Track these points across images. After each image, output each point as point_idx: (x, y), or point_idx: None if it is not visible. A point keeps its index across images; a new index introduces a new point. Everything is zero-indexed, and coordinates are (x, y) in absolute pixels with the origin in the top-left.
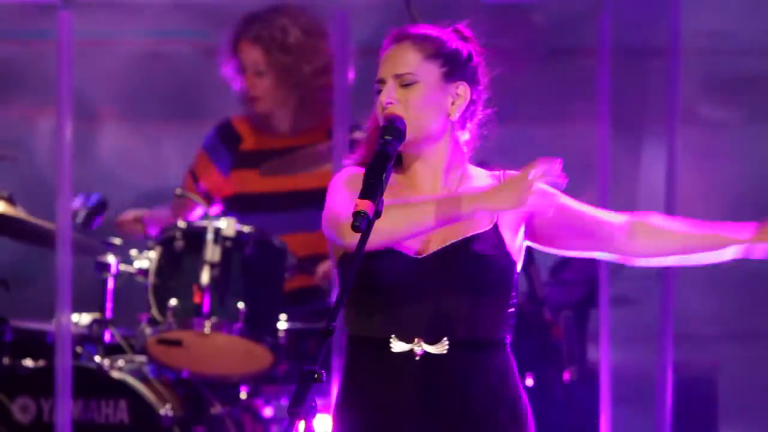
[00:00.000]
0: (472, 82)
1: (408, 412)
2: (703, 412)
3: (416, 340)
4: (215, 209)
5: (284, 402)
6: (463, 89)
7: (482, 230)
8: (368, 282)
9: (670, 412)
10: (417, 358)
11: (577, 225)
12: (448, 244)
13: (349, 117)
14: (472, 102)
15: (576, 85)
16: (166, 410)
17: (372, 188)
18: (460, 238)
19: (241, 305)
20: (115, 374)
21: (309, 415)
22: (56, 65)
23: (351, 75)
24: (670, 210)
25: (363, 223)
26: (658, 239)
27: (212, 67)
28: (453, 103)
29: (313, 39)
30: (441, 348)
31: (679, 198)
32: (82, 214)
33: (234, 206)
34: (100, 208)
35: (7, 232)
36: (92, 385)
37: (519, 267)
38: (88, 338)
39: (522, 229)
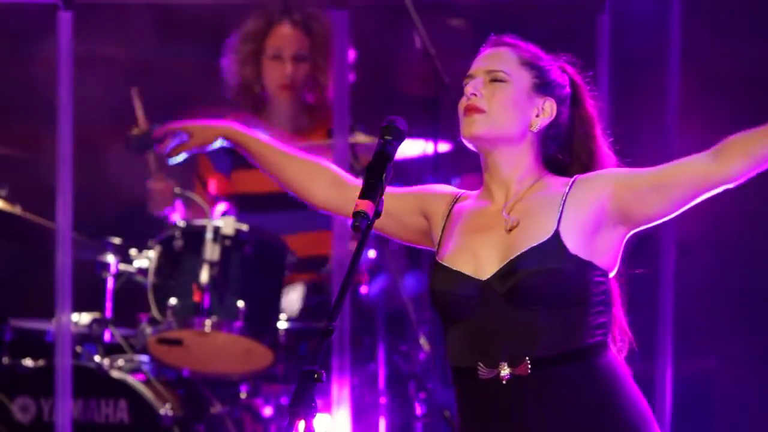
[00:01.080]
0: (561, 103)
1: None
2: (702, 411)
3: (501, 364)
4: (222, 207)
5: (284, 401)
6: (549, 105)
7: (540, 241)
8: (445, 313)
9: (669, 411)
10: (504, 382)
11: (658, 185)
12: (506, 262)
13: (348, 118)
14: (556, 121)
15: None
16: (165, 410)
17: (372, 188)
18: (517, 254)
19: (240, 304)
20: (115, 374)
21: (309, 414)
22: (57, 65)
23: (351, 76)
24: None
25: (363, 223)
26: (747, 153)
27: None
28: (537, 116)
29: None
30: (524, 369)
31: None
32: (137, 131)
33: (235, 206)
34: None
35: (6, 231)
36: (92, 384)
37: (610, 269)
38: (88, 338)
39: (604, 228)
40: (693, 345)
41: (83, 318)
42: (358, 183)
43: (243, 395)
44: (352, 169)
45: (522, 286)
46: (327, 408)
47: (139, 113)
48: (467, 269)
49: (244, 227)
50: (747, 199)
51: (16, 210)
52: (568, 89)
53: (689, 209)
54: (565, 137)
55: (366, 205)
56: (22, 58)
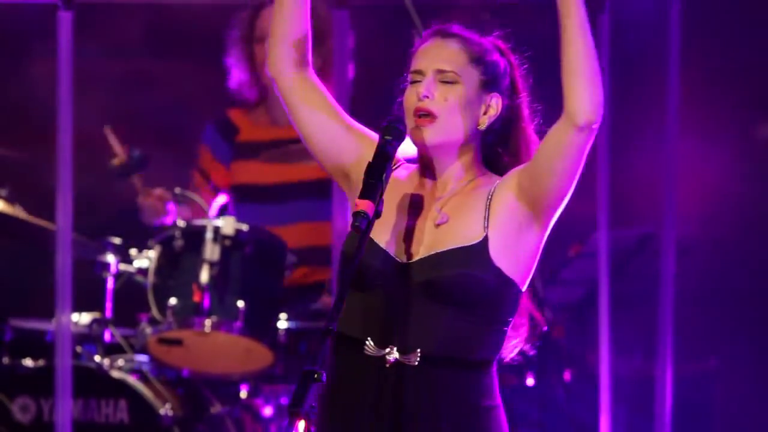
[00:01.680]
0: (505, 96)
1: (367, 417)
2: (703, 412)
3: (390, 347)
4: (222, 198)
5: (284, 401)
6: (496, 101)
7: (469, 243)
8: (356, 280)
9: (669, 411)
10: (387, 365)
11: (541, 162)
12: (432, 252)
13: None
14: (501, 115)
15: None
16: (165, 410)
17: (372, 188)
18: (446, 248)
19: (240, 304)
20: (115, 374)
21: (309, 414)
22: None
23: (350, 74)
24: (669, 207)
25: (363, 222)
26: (565, 80)
27: None
28: (485, 113)
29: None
30: (413, 360)
31: (677, 196)
32: (117, 162)
33: (234, 197)
34: (139, 162)
35: (6, 231)
36: (92, 384)
37: (522, 285)
38: (88, 338)
39: (524, 232)
40: (693, 346)
41: (83, 318)
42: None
43: (243, 395)
44: None
45: (440, 281)
46: None
47: (116, 146)
48: (391, 248)
49: (244, 227)
50: (748, 199)
51: (17, 210)
52: (508, 77)
53: (690, 211)
54: (501, 126)
55: (366, 205)
56: (22, 59)
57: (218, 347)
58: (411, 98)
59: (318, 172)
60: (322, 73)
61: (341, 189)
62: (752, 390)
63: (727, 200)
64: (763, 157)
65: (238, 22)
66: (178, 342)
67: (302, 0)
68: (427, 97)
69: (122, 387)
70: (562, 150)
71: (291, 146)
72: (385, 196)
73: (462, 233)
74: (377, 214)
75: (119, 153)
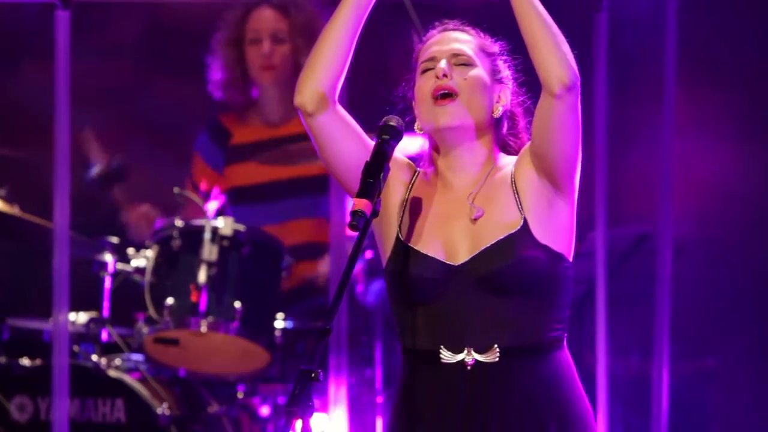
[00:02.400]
0: (511, 90)
1: (459, 423)
2: (699, 411)
3: (466, 349)
4: (214, 204)
5: (281, 401)
6: (505, 93)
7: (512, 231)
8: (409, 293)
9: (666, 411)
10: (468, 368)
11: (536, 135)
12: (480, 249)
13: None
14: (511, 110)
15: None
16: (162, 409)
17: (370, 187)
18: (491, 243)
19: (237, 304)
20: (112, 373)
21: (306, 414)
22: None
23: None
24: (666, 206)
25: (360, 222)
26: (530, 54)
27: None
28: (497, 102)
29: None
30: (492, 356)
31: (674, 195)
32: (96, 172)
33: (230, 200)
34: (116, 174)
35: (4, 230)
36: (89, 384)
37: (569, 257)
38: (85, 337)
39: (552, 207)
40: (690, 345)
41: (80, 317)
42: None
43: (240, 395)
44: None
45: (497, 274)
46: (324, 407)
47: (96, 152)
48: (438, 254)
49: (242, 228)
50: (745, 199)
51: (15, 210)
52: (512, 78)
53: (686, 210)
54: (509, 119)
55: (363, 204)
56: (19, 58)
57: (215, 347)
58: (428, 83)
59: (312, 169)
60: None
61: (339, 185)
62: (749, 390)
63: (723, 200)
64: (760, 157)
65: (227, 24)
66: (175, 342)
67: (353, 35)
68: (446, 75)
69: (119, 386)
70: (551, 121)
71: (284, 147)
72: (414, 205)
73: (501, 222)
74: (375, 213)
75: (98, 160)
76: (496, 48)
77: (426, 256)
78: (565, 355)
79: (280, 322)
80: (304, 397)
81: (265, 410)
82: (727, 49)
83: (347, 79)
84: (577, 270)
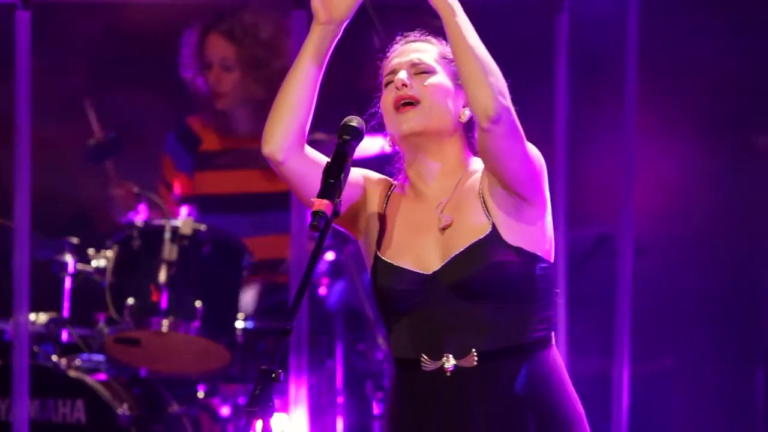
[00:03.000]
0: None
1: (440, 429)
2: (659, 411)
3: (445, 356)
4: (185, 210)
5: (242, 401)
6: (461, 97)
7: (481, 236)
8: (389, 306)
9: (626, 411)
10: (448, 374)
11: (486, 166)
12: (450, 257)
13: None
14: None
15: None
16: (123, 409)
17: (330, 188)
18: (462, 248)
19: (198, 304)
20: (72, 373)
21: (266, 414)
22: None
23: None
24: (626, 207)
25: (321, 222)
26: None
27: None
28: (463, 107)
29: (283, 36)
30: (470, 361)
31: (634, 196)
32: (94, 141)
33: (198, 207)
34: (114, 144)
35: None
36: (49, 384)
37: (547, 256)
38: (46, 337)
39: (520, 210)
40: (650, 345)
41: (40, 317)
42: (318, 160)
43: (200, 395)
44: None
45: (469, 280)
46: (284, 407)
47: (94, 123)
48: (410, 265)
49: (202, 227)
50: (705, 199)
51: None
52: None
53: (647, 211)
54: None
55: (324, 205)
56: None
57: (176, 347)
58: (390, 95)
59: (280, 185)
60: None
61: (300, 201)
62: (708, 389)
63: (684, 201)
64: (720, 157)
65: (184, 51)
66: (135, 342)
67: (315, 84)
68: (405, 85)
69: (79, 387)
70: (488, 152)
71: (253, 157)
72: (389, 218)
73: (470, 229)
74: (336, 214)
75: (97, 130)
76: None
77: (399, 268)
78: (551, 355)
79: (240, 322)
80: (264, 397)
81: (225, 410)
82: (688, 50)
83: None
84: None
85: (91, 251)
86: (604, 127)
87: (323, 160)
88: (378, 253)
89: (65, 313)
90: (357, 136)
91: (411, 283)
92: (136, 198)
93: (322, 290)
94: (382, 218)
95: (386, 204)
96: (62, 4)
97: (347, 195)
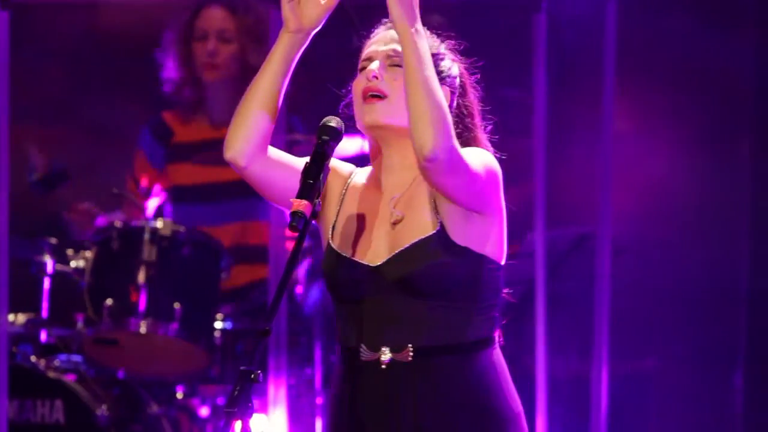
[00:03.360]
0: (452, 92)
1: (377, 420)
2: (638, 411)
3: (383, 348)
4: (154, 202)
5: (220, 402)
6: (445, 93)
7: (428, 234)
8: (334, 294)
9: (605, 411)
10: (383, 366)
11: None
12: (396, 252)
13: (284, 118)
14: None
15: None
16: (102, 410)
17: (309, 188)
18: (407, 245)
19: (177, 305)
20: (51, 374)
21: (246, 414)
22: None
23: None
24: (605, 206)
25: (300, 223)
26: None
27: None
28: None
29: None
30: (406, 356)
31: (613, 195)
32: (38, 176)
33: (170, 199)
34: (59, 176)
35: None
36: (28, 385)
37: (496, 257)
38: (24, 338)
39: (481, 217)
40: (629, 345)
41: (19, 318)
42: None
43: (179, 396)
44: None
45: (412, 277)
46: (263, 408)
47: (37, 159)
48: (358, 255)
49: (182, 228)
50: (684, 198)
51: None
52: (457, 80)
53: (626, 210)
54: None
55: (303, 205)
56: None
57: (154, 348)
58: (361, 82)
59: None
60: (254, 56)
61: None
62: (687, 390)
63: (662, 200)
64: (699, 157)
65: (176, 23)
66: (114, 342)
67: (280, 91)
68: (377, 77)
69: (58, 387)
70: (429, 182)
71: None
72: (346, 206)
73: (419, 226)
74: (314, 214)
75: (39, 167)
76: (441, 48)
77: (345, 258)
78: (492, 356)
79: (219, 323)
80: (243, 398)
81: (204, 411)
82: (667, 49)
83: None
84: (515, 270)
85: (69, 252)
86: (583, 126)
87: (289, 160)
88: (330, 240)
89: (44, 313)
90: (336, 136)
91: (356, 273)
92: (92, 218)
93: (300, 290)
94: (339, 206)
95: (345, 191)
96: (42, 4)
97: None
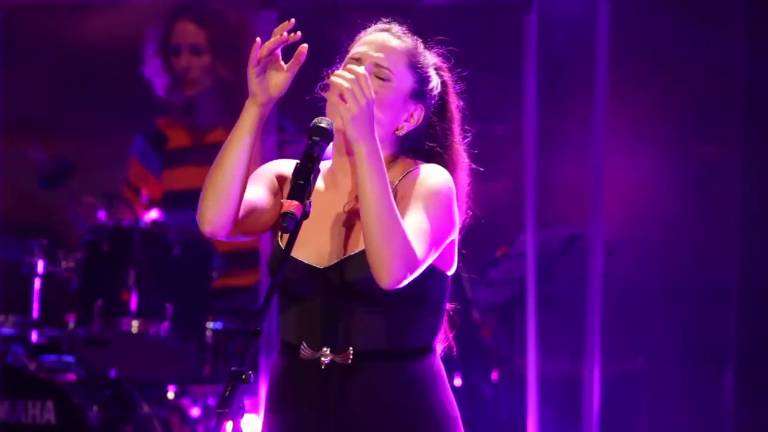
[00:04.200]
0: (428, 110)
1: (311, 420)
2: (630, 411)
3: (324, 349)
4: (154, 214)
5: (212, 402)
6: (419, 113)
7: None
8: (282, 289)
9: (596, 412)
10: (323, 367)
11: None
12: (346, 255)
13: (276, 116)
14: (418, 128)
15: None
16: (93, 410)
17: (300, 189)
18: (356, 251)
19: (168, 305)
20: (42, 375)
21: (237, 415)
22: None
23: None
24: (596, 208)
25: (291, 224)
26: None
27: None
28: (406, 120)
29: (248, 22)
30: (346, 358)
31: (604, 196)
32: (47, 171)
33: (166, 204)
34: (67, 171)
35: None
36: (19, 385)
37: (443, 268)
38: (15, 338)
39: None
40: (620, 346)
41: (10, 319)
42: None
43: (170, 396)
44: None
45: (356, 284)
46: (255, 408)
47: (42, 156)
48: (306, 256)
49: (172, 229)
50: (674, 199)
51: None
52: (437, 96)
53: (616, 211)
54: (419, 140)
55: (294, 206)
56: None
57: (145, 348)
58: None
59: None
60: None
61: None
62: (679, 390)
63: (653, 201)
64: (690, 158)
65: (154, 34)
66: (105, 343)
67: (248, 160)
68: None
69: (49, 388)
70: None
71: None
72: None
73: None
74: (305, 215)
75: (47, 163)
76: (432, 61)
77: (293, 258)
78: (431, 363)
79: (210, 323)
80: (234, 399)
81: (195, 411)
82: (658, 51)
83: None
84: (507, 271)
85: (61, 252)
86: (574, 128)
87: (262, 194)
88: (279, 239)
89: (35, 314)
90: (326, 137)
91: (302, 274)
92: (95, 211)
93: None
94: None
95: None
96: (32, 5)
97: (259, 197)
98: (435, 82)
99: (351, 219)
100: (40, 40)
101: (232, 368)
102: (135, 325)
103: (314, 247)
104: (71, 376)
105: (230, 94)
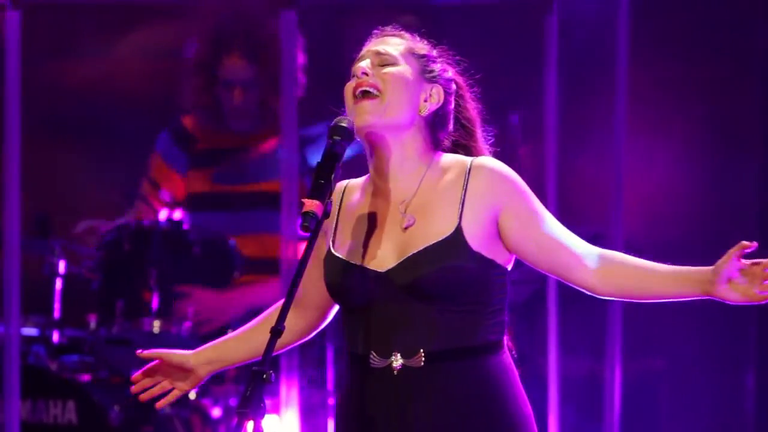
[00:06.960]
0: (448, 92)
1: (385, 426)
2: (650, 411)
3: (394, 354)
4: (177, 215)
5: (233, 402)
6: (437, 91)
7: (442, 237)
8: (342, 300)
9: (617, 411)
10: (395, 372)
11: (541, 244)
12: (408, 255)
13: (296, 116)
14: (443, 109)
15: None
16: (114, 410)
17: (321, 188)
18: (419, 248)
19: (188, 305)
20: (64, 375)
21: (258, 415)
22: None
23: (301, 79)
24: (617, 206)
25: (312, 222)
26: (618, 279)
27: None
28: (425, 100)
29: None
30: (417, 361)
31: (625, 195)
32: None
33: (190, 205)
34: (45, 223)
35: None
36: (40, 385)
37: (504, 264)
38: (37, 339)
39: (497, 229)
40: (641, 345)
41: (31, 319)
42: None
43: (192, 396)
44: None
45: (422, 281)
46: (276, 409)
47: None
48: (364, 261)
49: (192, 228)
50: (695, 199)
51: None
52: (453, 84)
53: (637, 210)
54: (450, 125)
55: (314, 205)
56: None
57: (167, 348)
58: (351, 83)
59: (271, 184)
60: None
61: (290, 201)
62: (699, 390)
63: (674, 200)
64: (710, 158)
65: (197, 56)
66: (126, 343)
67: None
68: (366, 74)
69: (70, 388)
70: (561, 270)
71: (247, 158)
72: (346, 213)
73: (433, 230)
74: (326, 214)
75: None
76: (432, 51)
77: (349, 264)
78: (502, 359)
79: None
80: (255, 399)
81: (216, 411)
82: (679, 51)
83: (302, 85)
84: (527, 270)
85: (82, 252)
86: (595, 127)
87: (318, 286)
88: (332, 248)
89: (56, 314)
90: (348, 136)
91: (362, 279)
92: (95, 232)
93: None
94: (338, 221)
95: (341, 202)
96: (53, 4)
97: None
98: (443, 69)
99: (402, 219)
100: (62, 38)
101: (254, 368)
102: (156, 325)
103: (371, 252)
104: (92, 377)
105: (265, 100)
